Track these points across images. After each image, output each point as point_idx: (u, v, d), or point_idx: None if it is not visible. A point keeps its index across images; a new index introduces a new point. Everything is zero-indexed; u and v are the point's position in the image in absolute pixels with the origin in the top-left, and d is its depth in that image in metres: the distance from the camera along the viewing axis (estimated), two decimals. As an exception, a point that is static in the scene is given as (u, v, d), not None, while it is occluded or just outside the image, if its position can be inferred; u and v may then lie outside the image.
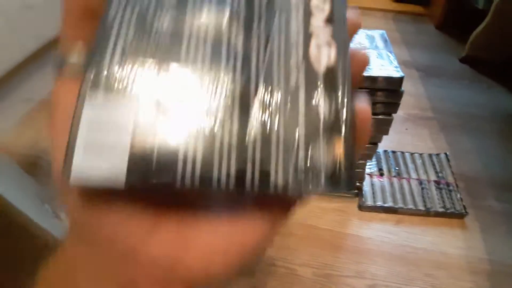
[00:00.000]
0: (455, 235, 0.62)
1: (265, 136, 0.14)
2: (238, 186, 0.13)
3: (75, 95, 0.13)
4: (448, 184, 0.67)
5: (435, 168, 0.70)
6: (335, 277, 0.57)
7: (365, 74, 0.47)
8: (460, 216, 0.63)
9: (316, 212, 0.66)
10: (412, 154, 0.73)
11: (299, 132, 0.14)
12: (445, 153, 0.73)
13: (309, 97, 0.14)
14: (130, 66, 0.15)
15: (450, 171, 0.69)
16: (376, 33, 0.58)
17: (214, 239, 0.14)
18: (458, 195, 0.65)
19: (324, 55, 0.14)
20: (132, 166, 0.13)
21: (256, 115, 0.14)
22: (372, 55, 0.52)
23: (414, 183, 0.67)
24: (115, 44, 0.15)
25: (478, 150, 0.78)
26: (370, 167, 0.70)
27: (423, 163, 0.71)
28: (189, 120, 0.14)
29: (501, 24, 0.93)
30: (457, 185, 0.67)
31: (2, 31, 0.88)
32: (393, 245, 0.61)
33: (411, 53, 1.11)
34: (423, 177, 0.69)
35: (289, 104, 0.14)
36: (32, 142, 0.91)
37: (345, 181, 0.13)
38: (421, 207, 0.63)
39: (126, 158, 0.13)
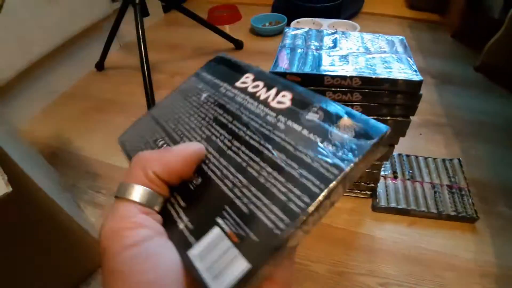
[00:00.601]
0: (466, 238, 0.63)
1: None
2: None
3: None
4: (460, 189, 0.68)
5: (448, 173, 0.71)
6: (348, 274, 0.59)
7: (385, 76, 0.49)
8: (471, 220, 0.64)
9: (331, 211, 0.67)
10: (426, 158, 0.75)
11: None
12: (458, 159, 0.74)
13: None
14: None
15: (462, 176, 0.71)
16: (396, 39, 0.60)
17: None
18: (470, 200, 0.66)
19: None
20: None
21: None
22: (392, 59, 0.54)
23: (427, 187, 0.69)
24: None
25: (490, 157, 0.79)
26: (385, 169, 0.72)
27: (436, 168, 0.73)
28: None
29: (515, 35, 0.94)
30: (469, 190, 0.68)
31: (28, 24, 0.92)
32: (405, 246, 0.62)
33: (426, 60, 1.12)
34: (436, 181, 0.70)
35: None
36: (54, 133, 0.94)
37: None
38: (433, 210, 0.65)
39: None
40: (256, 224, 0.19)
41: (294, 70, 0.50)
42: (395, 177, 0.71)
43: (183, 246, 0.20)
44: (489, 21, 1.06)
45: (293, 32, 0.62)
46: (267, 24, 1.37)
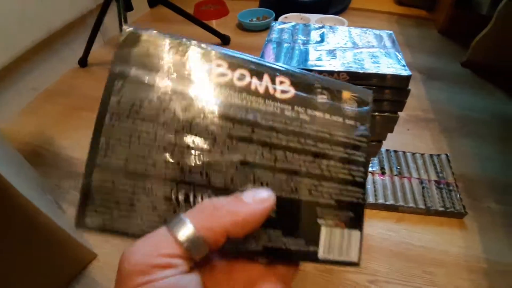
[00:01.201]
0: (454, 234, 0.63)
1: None
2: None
3: None
4: (448, 184, 0.68)
5: (435, 168, 0.71)
6: (337, 272, 0.58)
7: (373, 71, 0.48)
8: (459, 215, 0.64)
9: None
10: (413, 154, 0.75)
11: None
12: (446, 154, 0.74)
13: None
14: None
15: (450, 171, 0.71)
16: (384, 33, 0.59)
17: None
18: (458, 195, 0.66)
19: None
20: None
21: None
22: (380, 54, 0.53)
23: (415, 182, 0.68)
24: None
25: (477, 152, 0.79)
26: (372, 165, 0.72)
27: (424, 163, 0.72)
28: None
29: (503, 30, 0.95)
30: (457, 186, 0.68)
31: (10, 20, 0.89)
32: (394, 242, 0.62)
33: (414, 56, 1.12)
34: (424, 176, 0.70)
35: None
36: (36, 131, 0.91)
37: None
38: (421, 205, 0.64)
39: None
40: (345, 206, 0.24)
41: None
42: (383, 173, 0.70)
43: (309, 257, 0.23)
44: (477, 17, 1.07)
45: (280, 26, 0.61)
46: (254, 19, 1.35)
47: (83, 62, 1.15)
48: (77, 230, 0.24)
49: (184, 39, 0.23)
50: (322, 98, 0.25)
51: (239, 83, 0.23)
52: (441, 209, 0.64)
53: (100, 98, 0.21)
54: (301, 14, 1.26)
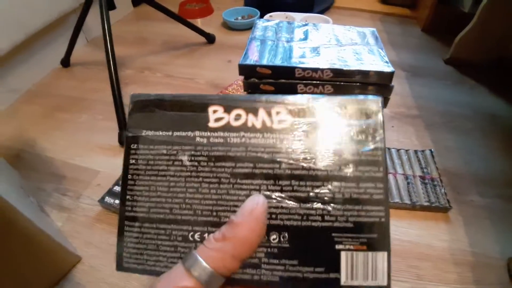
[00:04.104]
0: (440, 228, 0.64)
1: None
2: None
3: None
4: (432, 179, 0.69)
5: (420, 164, 0.72)
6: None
7: (357, 68, 0.48)
8: (444, 210, 0.65)
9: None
10: (398, 150, 0.75)
11: None
12: (430, 150, 0.75)
13: None
14: None
15: (434, 167, 0.71)
16: (367, 30, 0.60)
17: None
18: (443, 190, 0.67)
19: None
20: None
21: None
22: (364, 50, 0.53)
23: (400, 178, 0.69)
24: None
25: (461, 147, 0.80)
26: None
27: (409, 159, 0.73)
28: None
29: (485, 28, 0.96)
30: (441, 180, 0.69)
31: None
32: (380, 238, 0.62)
33: (397, 53, 1.13)
34: (409, 172, 0.70)
35: None
36: (17, 134, 0.89)
37: None
38: (407, 201, 0.65)
39: None
40: (365, 228, 0.23)
41: (264, 62, 0.48)
42: (369, 170, 0.71)
43: (331, 285, 0.23)
44: (459, 14, 1.08)
45: (264, 24, 0.61)
46: (239, 18, 1.35)
47: (65, 62, 1.13)
48: (118, 271, 0.25)
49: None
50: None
51: (236, 123, 0.24)
52: (426, 204, 0.65)
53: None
54: (286, 13, 1.26)
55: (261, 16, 1.30)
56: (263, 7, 1.31)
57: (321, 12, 1.35)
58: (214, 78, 1.05)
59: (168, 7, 1.13)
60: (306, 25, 0.60)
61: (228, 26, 1.33)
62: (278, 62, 0.49)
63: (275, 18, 1.26)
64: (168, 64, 1.13)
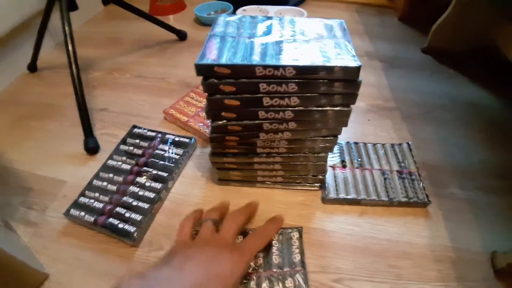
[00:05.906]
0: (419, 224, 0.62)
1: None
2: None
3: None
4: (410, 174, 0.67)
5: (397, 158, 0.70)
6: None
7: (321, 64, 0.45)
8: (423, 205, 0.63)
9: (281, 207, 0.64)
10: (374, 144, 0.73)
11: None
12: (407, 143, 0.73)
13: None
14: None
15: (412, 160, 0.70)
16: (335, 22, 0.57)
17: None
18: (421, 184, 0.65)
19: None
20: None
21: None
22: (330, 44, 0.50)
23: (376, 174, 0.67)
24: None
25: (440, 139, 0.78)
26: (333, 159, 0.70)
27: (386, 154, 0.71)
28: None
29: (461, 16, 0.95)
30: (419, 174, 0.67)
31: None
32: (357, 237, 0.60)
33: (374, 44, 1.11)
34: (385, 167, 0.68)
35: None
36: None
37: None
38: (384, 197, 0.63)
39: None
40: None
41: (223, 61, 0.45)
42: (344, 167, 0.69)
43: None
44: (436, 3, 1.07)
45: (226, 19, 0.57)
46: (212, 13, 1.31)
47: (32, 67, 1.08)
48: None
49: None
50: None
51: None
52: (404, 199, 0.63)
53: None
54: (259, 6, 1.23)
55: (235, 11, 1.26)
56: (237, 0, 1.28)
57: (297, 4, 1.31)
58: (186, 76, 1.01)
59: (140, 3, 1.09)
60: (270, 19, 0.57)
61: (201, 22, 1.29)
62: (237, 60, 0.46)
63: (249, 11, 1.22)
64: (139, 64, 1.09)
